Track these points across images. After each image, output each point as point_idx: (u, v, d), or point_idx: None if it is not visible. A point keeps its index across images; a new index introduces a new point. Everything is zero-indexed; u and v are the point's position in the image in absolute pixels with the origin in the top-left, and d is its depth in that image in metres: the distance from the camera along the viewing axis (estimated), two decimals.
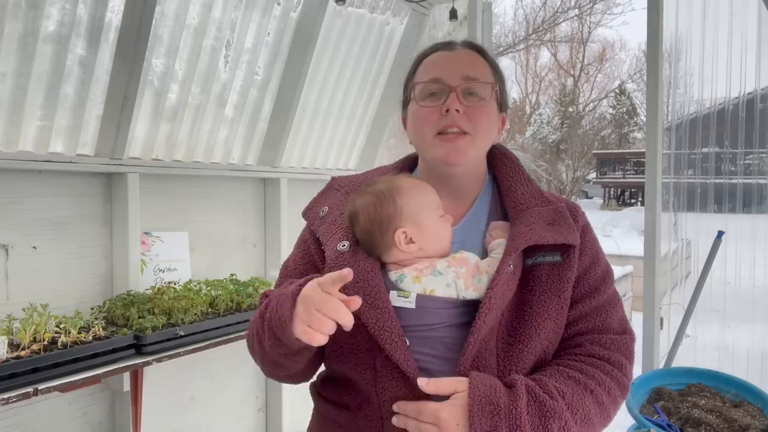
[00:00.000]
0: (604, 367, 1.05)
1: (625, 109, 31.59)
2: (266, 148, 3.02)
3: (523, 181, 1.16)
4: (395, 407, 0.98)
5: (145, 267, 2.44)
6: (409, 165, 1.26)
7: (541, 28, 24.60)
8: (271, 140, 3.00)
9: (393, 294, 1.02)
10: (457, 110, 1.08)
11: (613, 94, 31.73)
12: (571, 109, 31.10)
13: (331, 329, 0.90)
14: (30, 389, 1.68)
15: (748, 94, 3.57)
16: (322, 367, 1.19)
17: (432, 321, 1.00)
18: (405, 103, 1.20)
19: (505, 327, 1.03)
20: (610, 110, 32.17)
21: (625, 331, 1.12)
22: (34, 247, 2.13)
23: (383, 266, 1.07)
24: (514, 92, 30.34)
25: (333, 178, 1.27)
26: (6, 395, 1.63)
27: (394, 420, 0.98)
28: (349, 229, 1.10)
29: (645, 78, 3.04)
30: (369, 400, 1.03)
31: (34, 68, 2.07)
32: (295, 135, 3.14)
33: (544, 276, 1.06)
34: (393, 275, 1.04)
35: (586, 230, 1.14)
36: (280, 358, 1.05)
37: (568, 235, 1.06)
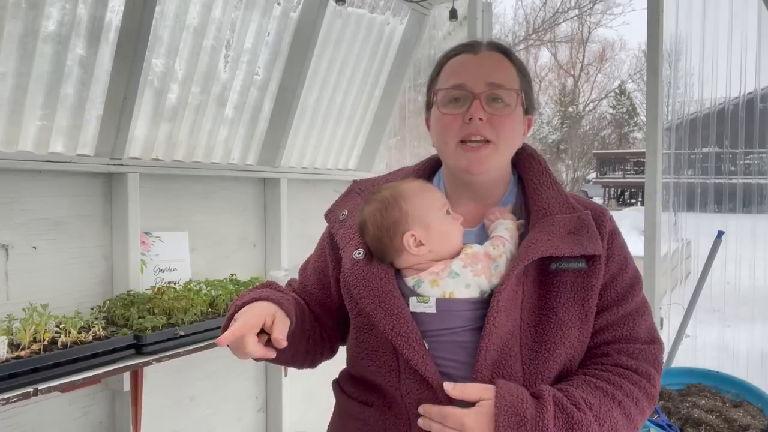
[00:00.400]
0: (632, 378, 1.03)
1: (625, 109, 31.57)
2: (266, 148, 3.02)
3: (549, 185, 1.13)
4: (420, 410, 0.99)
5: (145, 267, 2.44)
6: (431, 167, 1.24)
7: (541, 28, 24.62)
8: (271, 140, 3.00)
9: (413, 300, 1.01)
10: (481, 119, 1.05)
11: (613, 94, 31.71)
12: (571, 109, 31.06)
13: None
14: (30, 389, 1.68)
15: (748, 94, 3.58)
16: (344, 365, 1.20)
17: (453, 324, 1.00)
18: (428, 106, 1.17)
19: (528, 333, 1.01)
20: (610, 110, 32.15)
21: (654, 341, 1.09)
22: (34, 247, 2.13)
23: (399, 273, 1.06)
24: None
25: (354, 182, 1.26)
26: (6, 395, 1.63)
27: (420, 422, 0.98)
28: None
29: (645, 78, 3.03)
30: (396, 400, 1.04)
31: (34, 68, 2.07)
32: (295, 135, 3.13)
33: (568, 283, 1.03)
34: (410, 281, 1.04)
35: (613, 236, 1.10)
36: None
37: (588, 246, 1.03)
